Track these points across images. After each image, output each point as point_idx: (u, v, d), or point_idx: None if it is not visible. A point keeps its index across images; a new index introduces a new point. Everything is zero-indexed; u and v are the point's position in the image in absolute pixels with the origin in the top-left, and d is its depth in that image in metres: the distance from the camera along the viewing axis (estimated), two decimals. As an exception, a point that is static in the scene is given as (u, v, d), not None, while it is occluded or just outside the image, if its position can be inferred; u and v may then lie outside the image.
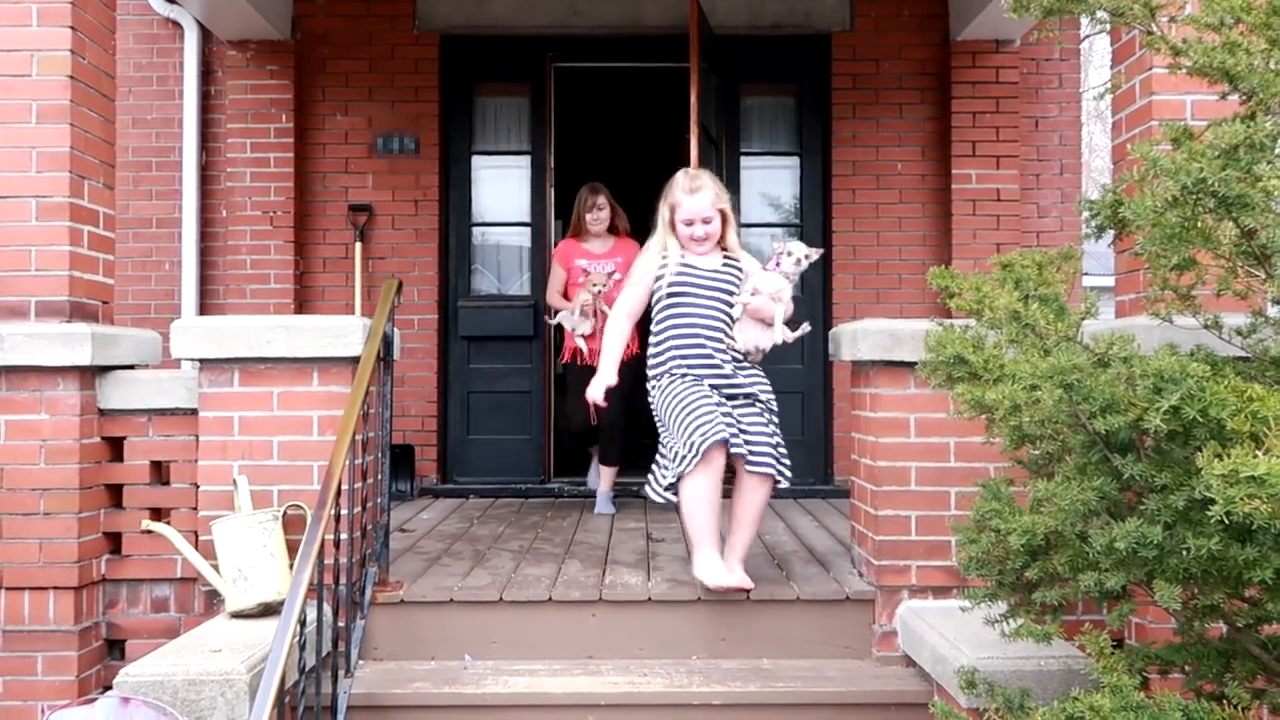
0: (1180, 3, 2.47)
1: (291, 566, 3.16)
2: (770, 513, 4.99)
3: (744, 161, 6.42)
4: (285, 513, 3.45)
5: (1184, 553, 1.97)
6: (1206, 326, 2.53)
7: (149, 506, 3.74)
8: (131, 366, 3.85)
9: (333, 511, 3.03)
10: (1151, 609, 2.99)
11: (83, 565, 3.59)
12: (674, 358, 3.65)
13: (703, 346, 3.62)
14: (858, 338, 3.46)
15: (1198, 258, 2.26)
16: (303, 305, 6.29)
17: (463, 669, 3.43)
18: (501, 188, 6.49)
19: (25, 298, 3.65)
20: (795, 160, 6.48)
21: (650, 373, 3.73)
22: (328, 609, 3.11)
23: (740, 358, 3.68)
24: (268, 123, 6.22)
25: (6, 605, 3.56)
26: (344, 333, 3.51)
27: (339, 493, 3.11)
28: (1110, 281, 3.81)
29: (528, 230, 6.42)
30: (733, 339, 3.65)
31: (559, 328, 5.47)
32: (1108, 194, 2.35)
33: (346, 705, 3.14)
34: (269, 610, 3.31)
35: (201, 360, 3.56)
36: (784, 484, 3.62)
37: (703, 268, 3.71)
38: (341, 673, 3.19)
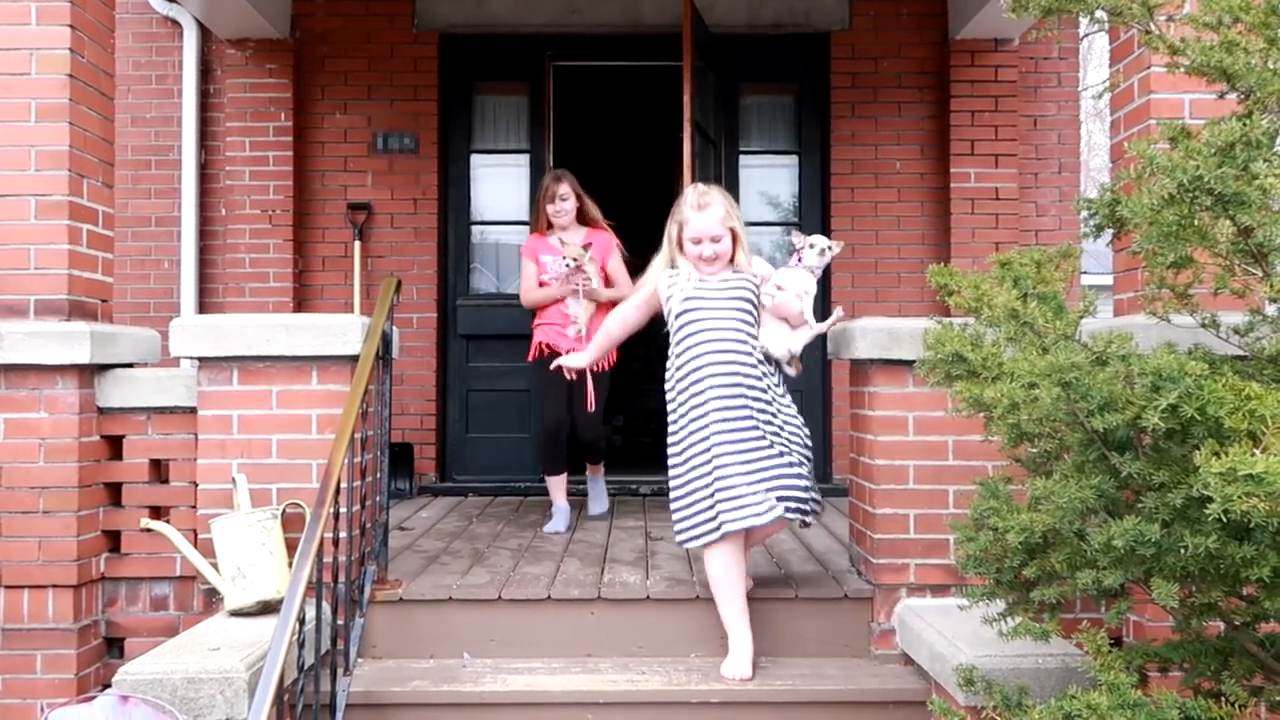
0: (1178, 2, 2.47)
1: (290, 565, 3.16)
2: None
3: (743, 160, 6.43)
4: (284, 511, 3.46)
5: (1182, 551, 1.97)
6: (1204, 325, 2.53)
7: (148, 505, 3.74)
8: (130, 365, 3.85)
9: (331, 510, 3.03)
10: (1149, 607, 2.99)
11: (82, 563, 3.59)
12: (689, 396, 3.36)
13: (725, 369, 3.32)
14: (856, 336, 3.46)
15: (1195, 256, 2.26)
16: (302, 304, 6.29)
17: (461, 667, 3.43)
18: (500, 186, 6.49)
19: (24, 296, 3.65)
20: (794, 159, 6.49)
21: (668, 405, 3.46)
22: (326, 607, 3.11)
23: (772, 371, 3.41)
24: (267, 121, 6.23)
25: (6, 603, 3.56)
26: (343, 331, 3.51)
27: (338, 491, 3.11)
28: (1109, 280, 3.82)
29: (527, 229, 6.37)
30: (763, 349, 3.39)
31: (530, 314, 4.95)
32: (1106, 192, 2.35)
33: (345, 703, 3.15)
34: (268, 608, 3.31)
35: (200, 359, 3.56)
36: (811, 521, 3.44)
37: (714, 284, 3.44)
38: (340, 671, 3.20)
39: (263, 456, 3.54)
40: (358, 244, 6.26)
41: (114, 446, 3.76)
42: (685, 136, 5.16)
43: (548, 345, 4.75)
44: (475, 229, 6.47)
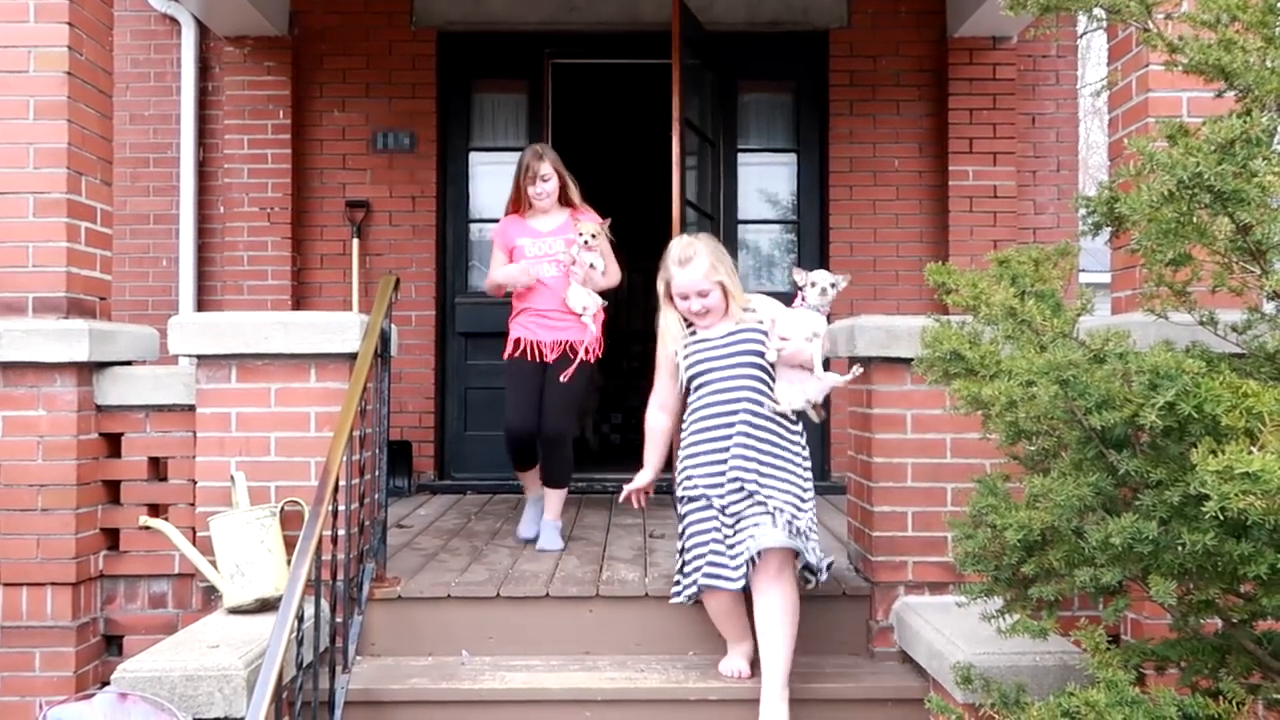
0: (1176, 0, 2.47)
1: (289, 562, 3.16)
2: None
3: (741, 158, 6.43)
4: (283, 509, 3.46)
5: (1179, 548, 1.98)
6: (1202, 323, 2.54)
7: (147, 502, 3.73)
8: (129, 363, 3.85)
9: (330, 507, 3.03)
10: (1147, 604, 2.99)
11: (80, 561, 3.59)
12: (690, 465, 3.31)
13: (728, 430, 3.24)
14: (855, 334, 3.46)
15: (1193, 253, 2.26)
16: (300, 301, 6.29)
17: (460, 664, 3.44)
18: (499, 184, 6.42)
19: (23, 294, 3.65)
20: (792, 157, 6.49)
21: (677, 465, 3.41)
22: (325, 605, 3.11)
23: (794, 421, 3.31)
24: (265, 119, 6.22)
25: (4, 601, 3.56)
26: (341, 329, 3.51)
27: (336, 489, 3.11)
28: (1107, 278, 3.82)
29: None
30: (776, 401, 3.26)
31: (507, 298, 4.48)
32: (1104, 190, 2.35)
33: (344, 701, 3.15)
34: (266, 606, 3.31)
35: (199, 356, 3.56)
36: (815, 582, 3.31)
37: (715, 336, 3.35)
38: (339, 668, 3.20)
39: (261, 454, 3.54)
40: (356, 242, 6.26)
41: (112, 444, 3.76)
42: (674, 134, 5.16)
43: (530, 344, 4.26)
44: (474, 227, 6.47)
